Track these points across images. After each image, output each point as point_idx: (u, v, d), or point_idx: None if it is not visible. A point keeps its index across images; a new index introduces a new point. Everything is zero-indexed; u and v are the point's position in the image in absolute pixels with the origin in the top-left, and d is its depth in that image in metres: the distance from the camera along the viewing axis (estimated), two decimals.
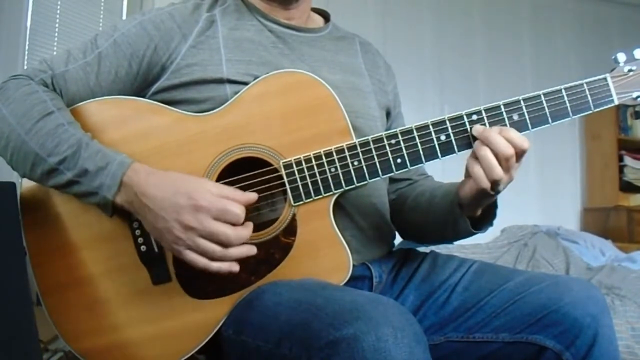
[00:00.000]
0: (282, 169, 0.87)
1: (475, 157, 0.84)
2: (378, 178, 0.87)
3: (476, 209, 0.91)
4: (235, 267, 0.82)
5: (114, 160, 0.82)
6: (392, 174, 0.87)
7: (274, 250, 0.87)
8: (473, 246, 2.83)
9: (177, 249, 0.80)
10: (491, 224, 0.94)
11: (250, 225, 0.82)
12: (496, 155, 0.81)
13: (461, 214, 0.91)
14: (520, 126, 0.85)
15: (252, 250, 0.82)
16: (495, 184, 0.82)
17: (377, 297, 0.75)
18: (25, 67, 2.06)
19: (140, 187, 0.81)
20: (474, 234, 0.93)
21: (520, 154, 0.82)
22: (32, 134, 0.84)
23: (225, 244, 0.80)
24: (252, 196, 0.83)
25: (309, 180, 0.87)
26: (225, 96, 0.91)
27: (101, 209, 0.84)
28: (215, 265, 0.81)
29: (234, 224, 0.80)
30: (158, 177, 0.82)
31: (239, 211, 0.80)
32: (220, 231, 0.79)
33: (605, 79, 0.87)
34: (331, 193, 0.87)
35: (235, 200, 0.81)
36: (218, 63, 0.93)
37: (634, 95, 0.87)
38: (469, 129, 0.85)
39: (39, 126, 0.84)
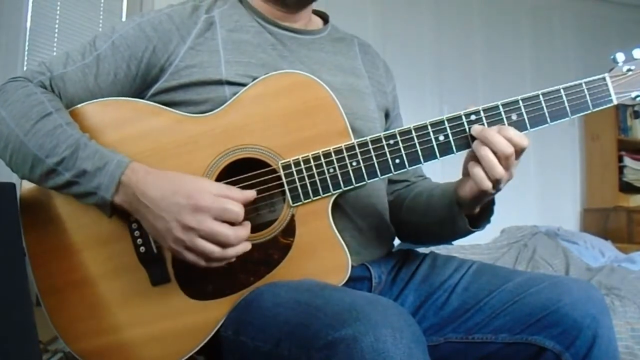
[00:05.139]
0: (281, 170, 0.87)
1: (473, 158, 0.84)
2: (377, 179, 0.87)
3: (475, 207, 0.91)
4: (232, 260, 0.83)
5: (112, 160, 0.82)
6: (390, 174, 0.87)
7: (272, 251, 0.87)
8: (472, 247, 2.82)
9: (177, 249, 0.81)
10: (489, 221, 0.94)
11: (248, 225, 0.83)
12: (496, 154, 0.81)
13: (460, 212, 0.91)
14: (518, 126, 0.84)
15: (248, 246, 0.83)
16: (496, 183, 0.83)
17: (377, 298, 0.75)
18: (25, 69, 2.06)
19: (139, 186, 0.81)
20: (472, 232, 0.93)
21: (519, 152, 0.83)
22: (31, 136, 0.84)
23: (224, 245, 0.80)
24: (250, 194, 0.83)
25: (307, 181, 0.87)
26: (224, 97, 0.91)
27: (100, 209, 0.84)
28: (215, 265, 0.82)
29: (233, 223, 0.80)
30: (157, 177, 0.82)
31: (238, 209, 0.80)
32: (220, 231, 0.79)
33: (604, 78, 0.87)
34: (330, 194, 0.87)
35: (234, 198, 0.81)
36: (217, 65, 0.93)
37: (633, 95, 0.87)
38: (467, 129, 0.85)
39: (38, 127, 0.84)
